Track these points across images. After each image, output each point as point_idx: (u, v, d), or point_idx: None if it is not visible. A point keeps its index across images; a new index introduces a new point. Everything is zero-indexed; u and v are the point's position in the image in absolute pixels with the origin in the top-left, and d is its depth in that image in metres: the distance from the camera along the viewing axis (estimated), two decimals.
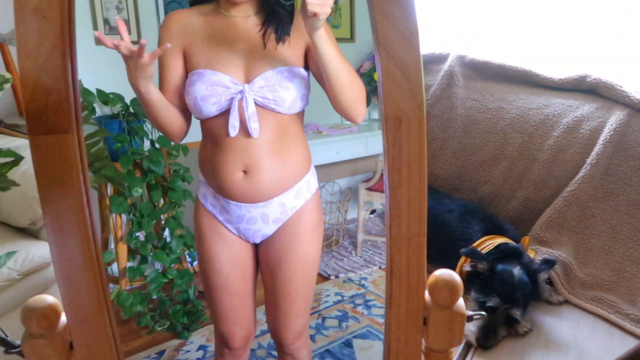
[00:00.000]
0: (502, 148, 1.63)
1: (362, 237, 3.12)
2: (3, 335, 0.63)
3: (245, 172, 1.13)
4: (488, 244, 1.40)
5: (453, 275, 0.68)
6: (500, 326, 1.27)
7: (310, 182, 1.24)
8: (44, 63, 0.53)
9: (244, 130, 1.11)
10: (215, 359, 1.37)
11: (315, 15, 0.95)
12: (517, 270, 1.32)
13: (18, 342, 0.65)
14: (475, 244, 1.41)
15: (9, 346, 0.63)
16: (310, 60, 1.16)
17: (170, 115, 1.14)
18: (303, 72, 1.13)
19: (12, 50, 2.17)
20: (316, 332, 2.25)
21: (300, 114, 1.19)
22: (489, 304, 1.29)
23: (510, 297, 1.28)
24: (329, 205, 3.31)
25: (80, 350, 0.66)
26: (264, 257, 1.26)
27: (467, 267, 1.37)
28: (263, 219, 1.19)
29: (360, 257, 3.06)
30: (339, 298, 2.56)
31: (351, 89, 1.10)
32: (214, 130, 1.14)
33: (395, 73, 0.56)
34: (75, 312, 0.64)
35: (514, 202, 1.63)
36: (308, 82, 1.15)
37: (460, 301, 0.68)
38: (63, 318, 0.65)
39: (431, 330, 0.68)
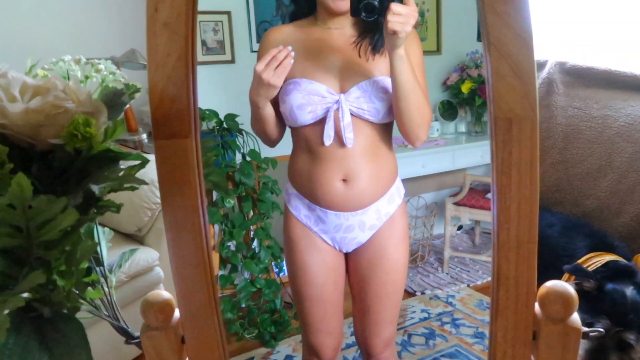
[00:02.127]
0: (609, 159, 1.52)
1: (448, 254, 3.03)
2: (125, 327, 0.68)
3: (344, 180, 1.15)
4: (595, 261, 1.30)
5: (566, 286, 0.64)
6: (611, 351, 1.17)
7: (399, 188, 1.26)
8: (171, 73, 0.57)
9: (339, 139, 1.13)
10: None
11: (395, 33, 0.95)
12: (630, 290, 1.21)
13: (137, 333, 0.70)
14: (580, 261, 1.31)
15: (129, 337, 0.69)
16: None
17: (275, 126, 1.20)
18: None
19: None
20: (402, 348, 2.20)
21: (391, 124, 1.20)
22: (598, 326, 1.19)
23: (623, 319, 1.17)
24: (414, 220, 3.26)
25: (191, 344, 0.69)
26: (356, 265, 1.27)
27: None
28: (360, 226, 1.20)
29: (447, 274, 2.97)
30: (425, 315, 2.49)
31: (417, 113, 1.09)
32: (309, 139, 1.16)
33: (506, 73, 0.54)
34: (187, 308, 0.68)
35: (623, 217, 1.50)
36: None
37: (575, 315, 0.64)
38: (177, 313, 0.69)
39: (542, 345, 0.64)
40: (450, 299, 2.65)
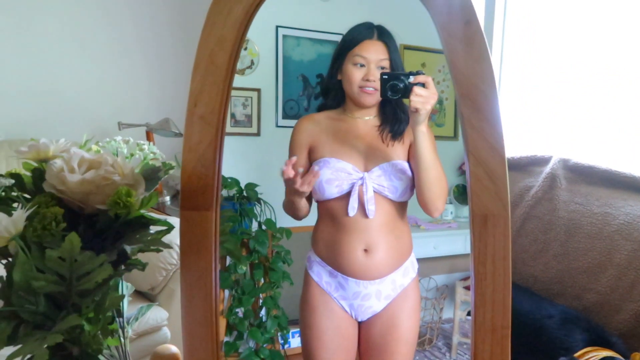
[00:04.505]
0: (609, 255, 1.56)
1: (457, 339, 2.98)
2: None
3: (366, 250, 1.26)
4: (592, 355, 1.31)
5: None
6: None
7: (413, 262, 1.35)
8: (201, 156, 0.69)
9: (362, 211, 1.25)
10: None
11: (417, 110, 1.10)
12: None
13: None
14: (577, 354, 1.33)
15: None
16: (410, 155, 1.29)
17: (304, 207, 1.33)
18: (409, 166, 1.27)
19: (156, 138, 2.57)
20: None
21: (406, 202, 1.32)
22: None
23: None
24: (424, 302, 3.24)
25: None
26: (369, 334, 1.33)
27: None
28: (377, 295, 1.28)
29: None
30: None
31: (437, 185, 1.21)
32: (334, 211, 1.29)
33: (482, 177, 0.64)
34: None
35: (623, 314, 1.52)
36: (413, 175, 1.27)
37: None
38: None
39: None
40: None
